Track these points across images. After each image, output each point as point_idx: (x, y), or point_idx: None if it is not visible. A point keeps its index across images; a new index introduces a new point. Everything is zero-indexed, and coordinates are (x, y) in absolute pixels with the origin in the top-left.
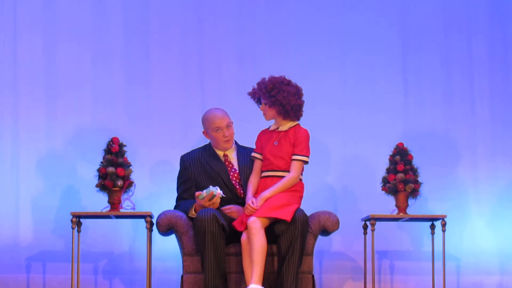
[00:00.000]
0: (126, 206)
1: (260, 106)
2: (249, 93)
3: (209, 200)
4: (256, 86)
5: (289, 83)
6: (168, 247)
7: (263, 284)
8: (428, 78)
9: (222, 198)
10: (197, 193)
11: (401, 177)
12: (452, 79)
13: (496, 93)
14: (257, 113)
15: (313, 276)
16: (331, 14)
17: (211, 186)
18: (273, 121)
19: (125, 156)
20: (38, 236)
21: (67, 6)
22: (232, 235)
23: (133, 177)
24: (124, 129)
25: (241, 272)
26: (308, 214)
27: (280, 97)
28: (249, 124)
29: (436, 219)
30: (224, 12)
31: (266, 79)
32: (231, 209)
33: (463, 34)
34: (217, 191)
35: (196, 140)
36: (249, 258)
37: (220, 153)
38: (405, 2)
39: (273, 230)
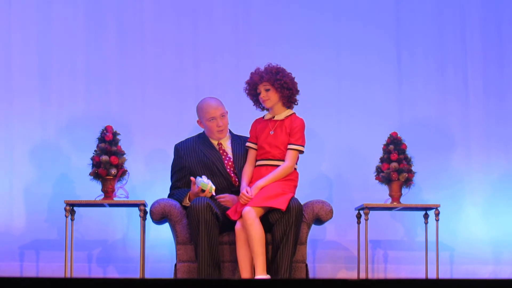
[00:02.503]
0: (119, 195)
1: (260, 94)
2: (252, 78)
3: (202, 191)
4: (255, 72)
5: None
6: (161, 236)
7: (261, 273)
8: (422, 68)
9: (216, 187)
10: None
11: (395, 166)
12: (446, 69)
13: (490, 84)
14: (251, 103)
15: (306, 265)
16: (326, 9)
17: (204, 179)
18: (265, 111)
19: (119, 144)
20: (31, 225)
21: None
22: (226, 224)
23: (127, 165)
24: (118, 118)
25: (235, 261)
26: (302, 203)
27: (287, 79)
28: (243, 113)
29: (430, 208)
30: (219, 3)
31: (263, 68)
32: (225, 198)
33: (457, 24)
34: (209, 185)
35: (191, 128)
36: (243, 247)
37: (215, 142)
38: None
39: (267, 218)
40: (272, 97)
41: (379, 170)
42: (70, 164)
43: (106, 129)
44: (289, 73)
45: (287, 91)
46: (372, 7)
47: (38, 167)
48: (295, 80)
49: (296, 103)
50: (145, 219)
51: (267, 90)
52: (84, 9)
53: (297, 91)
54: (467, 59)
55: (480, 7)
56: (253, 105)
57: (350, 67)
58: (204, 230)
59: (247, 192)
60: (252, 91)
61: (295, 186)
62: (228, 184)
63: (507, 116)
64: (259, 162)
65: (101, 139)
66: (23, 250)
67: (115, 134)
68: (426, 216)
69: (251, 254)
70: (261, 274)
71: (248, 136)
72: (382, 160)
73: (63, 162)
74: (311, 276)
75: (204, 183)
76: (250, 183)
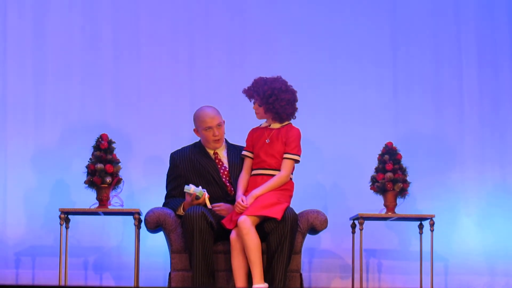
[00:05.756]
0: (114, 203)
1: (253, 102)
2: (245, 92)
3: (196, 198)
4: (252, 86)
5: (286, 89)
6: (156, 244)
7: (258, 282)
8: (418, 79)
9: (211, 196)
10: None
11: (390, 176)
12: (442, 80)
13: (485, 95)
14: (247, 111)
15: (301, 274)
16: (321, 16)
17: (200, 188)
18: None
19: (114, 153)
20: (27, 231)
21: (57, 3)
22: (221, 233)
23: (122, 173)
24: (114, 125)
25: (229, 270)
26: (297, 212)
27: (278, 105)
28: (239, 121)
29: (425, 218)
30: (214, 10)
31: (264, 82)
32: (221, 206)
33: (453, 35)
34: (203, 193)
35: (187, 137)
36: (238, 256)
37: (210, 151)
38: (396, 7)
39: (262, 228)
40: (261, 113)
41: (374, 180)
42: (67, 171)
43: (101, 138)
44: (286, 94)
45: (275, 114)
46: (368, 16)
47: (35, 173)
48: (296, 97)
49: (289, 120)
50: (140, 227)
51: (260, 106)
52: (80, 17)
53: (288, 115)
54: (462, 70)
55: (475, 18)
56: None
57: (346, 77)
58: (199, 238)
59: (242, 201)
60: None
61: (291, 196)
62: (224, 193)
63: (502, 127)
64: (254, 171)
65: (96, 147)
66: (19, 257)
67: (110, 142)
68: (421, 226)
69: (248, 263)
70: (259, 283)
71: (244, 145)
72: (377, 170)
73: (59, 169)
74: (305, 285)
75: (200, 190)
76: (246, 192)
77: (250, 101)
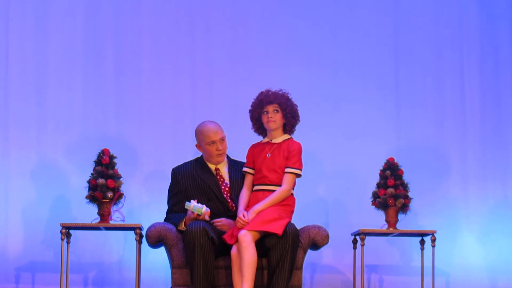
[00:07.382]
0: (116, 218)
1: (267, 114)
2: (268, 95)
3: (197, 215)
4: (271, 91)
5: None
6: (157, 259)
7: None
8: (419, 94)
9: (212, 211)
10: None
11: (391, 192)
12: (444, 95)
13: (487, 111)
14: (248, 126)
15: None
16: (324, 32)
17: (194, 203)
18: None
19: (116, 167)
20: (27, 246)
21: (59, 15)
22: (222, 248)
23: (123, 188)
24: (116, 140)
25: (230, 286)
26: (298, 227)
27: (295, 109)
28: (241, 137)
29: (426, 234)
30: (217, 26)
31: (274, 90)
32: (222, 222)
33: (455, 50)
34: (203, 209)
35: (188, 152)
36: (239, 272)
37: (212, 167)
38: (398, 20)
39: (263, 243)
40: (277, 120)
41: (375, 195)
42: (68, 186)
43: (103, 152)
44: (295, 104)
45: (293, 120)
46: (370, 31)
47: (35, 189)
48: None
49: (293, 129)
50: (141, 242)
51: (275, 111)
52: (82, 30)
53: (298, 121)
54: (464, 86)
55: (477, 34)
56: (251, 122)
57: (348, 91)
58: (200, 254)
59: (243, 216)
60: (258, 109)
61: (292, 211)
62: (225, 209)
63: (504, 143)
64: (256, 187)
65: (98, 162)
66: (19, 272)
67: (111, 157)
68: (422, 242)
69: (240, 276)
70: None
71: (245, 161)
72: (378, 185)
73: (60, 184)
74: None
75: (199, 207)
76: (247, 208)
77: (254, 114)
